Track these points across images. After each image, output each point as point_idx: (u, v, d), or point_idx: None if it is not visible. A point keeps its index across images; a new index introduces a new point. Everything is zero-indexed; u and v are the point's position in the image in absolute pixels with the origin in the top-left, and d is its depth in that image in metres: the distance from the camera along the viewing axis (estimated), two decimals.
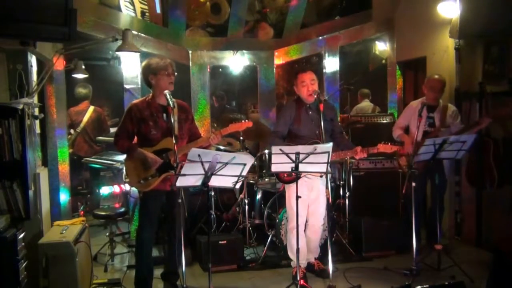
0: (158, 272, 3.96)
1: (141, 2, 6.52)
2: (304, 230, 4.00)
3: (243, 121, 3.59)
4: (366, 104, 6.91)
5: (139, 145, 3.61)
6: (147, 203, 3.66)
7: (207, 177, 3.18)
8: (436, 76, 4.51)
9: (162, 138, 3.56)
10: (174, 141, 3.29)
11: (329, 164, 3.40)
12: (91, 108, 6.06)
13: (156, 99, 3.62)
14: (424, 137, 4.33)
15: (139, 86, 5.24)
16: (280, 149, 3.32)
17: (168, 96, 3.38)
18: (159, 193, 3.61)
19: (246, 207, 4.76)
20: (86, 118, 5.98)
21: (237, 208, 5.02)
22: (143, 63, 3.65)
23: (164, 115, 3.58)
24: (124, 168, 3.75)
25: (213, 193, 4.89)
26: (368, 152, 3.72)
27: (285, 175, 3.86)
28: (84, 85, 6.05)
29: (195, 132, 3.80)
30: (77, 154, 5.91)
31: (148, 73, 3.59)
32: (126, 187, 5.28)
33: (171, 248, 3.73)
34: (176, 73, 3.66)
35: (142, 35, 5.53)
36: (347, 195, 4.95)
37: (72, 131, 5.98)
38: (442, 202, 4.56)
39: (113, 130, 5.91)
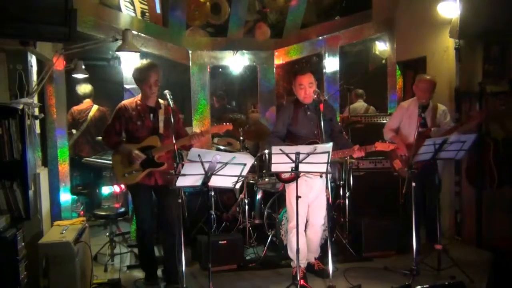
0: (159, 272, 4.01)
1: (141, 2, 6.52)
2: (305, 230, 4.00)
3: (224, 123, 3.75)
4: (359, 105, 6.88)
5: (126, 142, 3.78)
6: (136, 197, 3.85)
7: (207, 177, 3.19)
8: (428, 77, 4.51)
9: (147, 137, 3.72)
10: (174, 141, 3.42)
11: (329, 164, 3.40)
12: (95, 107, 6.04)
13: (144, 101, 3.79)
14: (417, 137, 4.35)
15: None
16: (280, 149, 3.32)
17: (168, 97, 3.54)
18: (145, 187, 3.76)
19: (246, 207, 4.76)
20: (89, 117, 5.95)
21: (237, 208, 5.02)
22: (133, 68, 3.80)
23: (151, 115, 3.76)
24: (111, 163, 3.89)
25: (213, 193, 4.89)
26: (365, 150, 3.72)
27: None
28: (87, 84, 6.04)
29: (181, 132, 3.91)
30: (79, 154, 5.89)
31: (134, 78, 3.79)
32: None
33: (168, 246, 3.78)
34: (161, 75, 3.80)
35: (142, 35, 5.53)
36: (347, 195, 4.94)
37: (74, 131, 5.95)
38: (438, 202, 4.55)
39: None
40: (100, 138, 5.95)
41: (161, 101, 3.83)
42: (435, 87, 4.48)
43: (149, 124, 3.73)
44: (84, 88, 6.01)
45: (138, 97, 3.83)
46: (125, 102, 3.85)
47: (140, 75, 3.70)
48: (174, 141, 3.41)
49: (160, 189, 3.77)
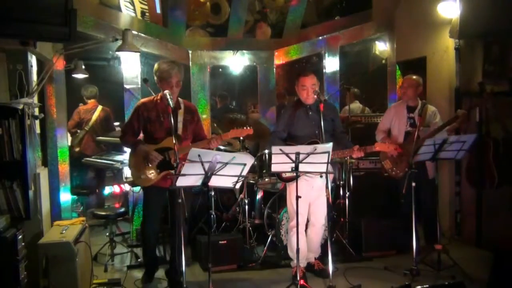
0: (160, 272, 4.03)
1: (141, 2, 6.52)
2: (305, 230, 4.00)
3: (245, 127, 3.66)
4: (356, 106, 6.88)
5: (144, 142, 3.73)
6: (148, 198, 3.82)
7: (207, 177, 3.19)
8: (414, 77, 4.52)
9: (165, 137, 3.66)
10: (174, 141, 3.33)
11: (329, 164, 3.40)
12: (100, 107, 6.15)
13: (164, 100, 3.66)
14: (406, 137, 4.41)
15: (139, 86, 5.24)
16: (280, 149, 3.32)
17: (168, 97, 3.43)
18: (160, 190, 3.72)
19: (246, 207, 4.76)
20: (95, 116, 6.07)
21: (237, 208, 5.02)
22: (156, 65, 3.74)
23: (170, 115, 3.62)
24: (128, 163, 3.87)
25: (213, 193, 4.89)
26: (365, 151, 3.72)
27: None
28: (93, 87, 6.18)
29: (200, 133, 3.89)
30: (84, 153, 5.92)
31: (155, 76, 3.71)
32: (126, 187, 5.27)
33: (173, 246, 3.76)
34: (182, 75, 3.74)
35: (142, 35, 5.53)
36: (347, 195, 4.94)
37: (78, 131, 6.01)
38: (437, 202, 4.55)
39: (119, 130, 5.94)
40: (99, 138, 6.01)
41: (180, 100, 3.75)
42: (419, 86, 4.48)
43: (167, 124, 3.65)
44: (90, 91, 6.13)
45: (158, 95, 3.76)
46: (144, 100, 3.80)
47: (162, 74, 3.62)
48: (174, 142, 3.33)
49: (173, 191, 3.63)
